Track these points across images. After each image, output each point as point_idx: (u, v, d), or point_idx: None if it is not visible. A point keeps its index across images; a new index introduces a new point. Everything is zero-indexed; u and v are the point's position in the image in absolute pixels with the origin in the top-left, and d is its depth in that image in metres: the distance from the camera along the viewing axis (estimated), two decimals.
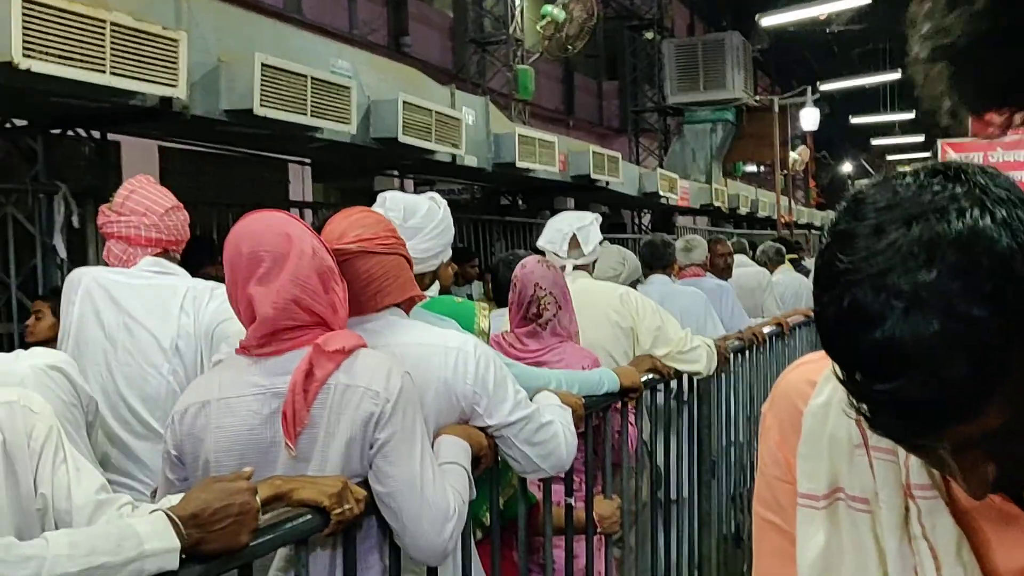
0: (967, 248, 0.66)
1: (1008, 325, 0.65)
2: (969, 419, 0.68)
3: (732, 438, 3.95)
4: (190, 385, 1.84)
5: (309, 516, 1.52)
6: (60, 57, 3.78)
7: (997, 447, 0.71)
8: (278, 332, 1.64)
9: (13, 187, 4.95)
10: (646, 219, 15.68)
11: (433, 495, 1.64)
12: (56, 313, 3.36)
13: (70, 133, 5.19)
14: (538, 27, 12.66)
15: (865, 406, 0.71)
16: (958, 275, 0.66)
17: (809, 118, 16.13)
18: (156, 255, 2.49)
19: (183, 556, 1.24)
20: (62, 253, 4.87)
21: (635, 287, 3.74)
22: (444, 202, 2.26)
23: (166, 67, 4.31)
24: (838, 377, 0.73)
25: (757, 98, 16.64)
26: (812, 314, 4.64)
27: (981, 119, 0.77)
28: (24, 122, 5.09)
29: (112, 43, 4.00)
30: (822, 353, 0.81)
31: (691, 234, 5.61)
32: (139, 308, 2.42)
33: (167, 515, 1.25)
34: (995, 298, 0.65)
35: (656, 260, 4.49)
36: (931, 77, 0.77)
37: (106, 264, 2.52)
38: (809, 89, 16.00)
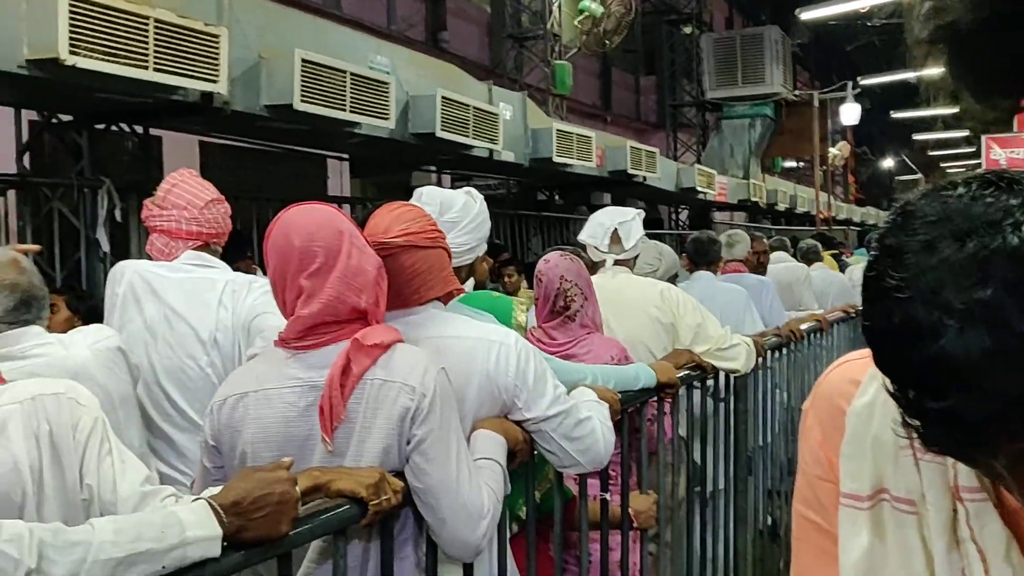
0: (1022, 263, 0.64)
1: None
2: None
3: (769, 434, 3.92)
4: (229, 376, 1.85)
5: (347, 506, 1.52)
6: (105, 53, 3.85)
7: None
8: (318, 326, 1.65)
9: (59, 182, 5.05)
10: (683, 215, 15.58)
11: (468, 493, 1.64)
12: (71, 307, 3.40)
13: (114, 128, 5.29)
14: (575, 22, 12.62)
15: (917, 421, 0.70)
16: (1013, 291, 0.63)
17: (849, 113, 15.93)
18: (197, 248, 2.52)
19: (224, 544, 1.26)
20: (105, 247, 4.96)
21: (673, 283, 3.72)
22: (480, 196, 2.25)
23: (208, 63, 4.37)
24: (889, 391, 0.71)
25: (796, 93, 16.47)
26: (850, 310, 4.58)
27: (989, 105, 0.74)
28: (69, 117, 5.18)
29: (155, 39, 4.06)
30: (864, 351, 0.79)
31: (734, 230, 5.55)
32: (179, 301, 2.45)
33: (209, 503, 1.27)
34: None
35: (701, 257, 4.46)
36: (931, 59, 0.74)
37: (149, 257, 2.56)
38: (849, 84, 15.80)
